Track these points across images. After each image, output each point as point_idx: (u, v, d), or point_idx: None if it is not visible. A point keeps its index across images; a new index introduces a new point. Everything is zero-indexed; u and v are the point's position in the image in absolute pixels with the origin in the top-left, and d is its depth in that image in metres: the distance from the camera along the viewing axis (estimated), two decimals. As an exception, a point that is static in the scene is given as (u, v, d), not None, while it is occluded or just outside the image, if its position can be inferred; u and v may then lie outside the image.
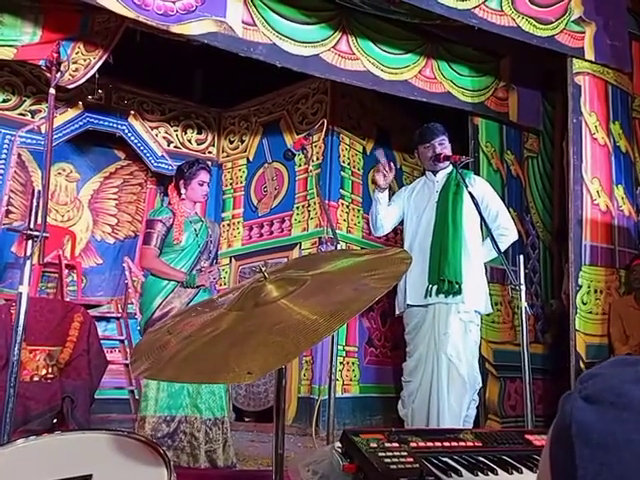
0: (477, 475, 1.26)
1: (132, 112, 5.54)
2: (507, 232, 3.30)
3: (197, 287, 3.12)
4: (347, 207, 5.36)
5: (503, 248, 3.19)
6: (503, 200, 4.89)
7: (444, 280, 3.10)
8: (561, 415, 0.46)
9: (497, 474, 1.28)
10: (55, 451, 1.07)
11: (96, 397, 3.34)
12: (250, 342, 0.98)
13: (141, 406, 2.97)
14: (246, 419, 4.94)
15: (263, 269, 1.11)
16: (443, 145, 3.30)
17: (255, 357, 0.92)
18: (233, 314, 1.08)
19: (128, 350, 4.78)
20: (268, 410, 4.71)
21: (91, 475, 0.96)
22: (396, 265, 1.15)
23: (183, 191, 3.28)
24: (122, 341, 4.93)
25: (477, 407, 3.23)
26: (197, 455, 2.91)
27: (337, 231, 4.92)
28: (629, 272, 4.36)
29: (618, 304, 4.31)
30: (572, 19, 4.55)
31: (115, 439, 1.09)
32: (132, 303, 4.94)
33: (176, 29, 3.63)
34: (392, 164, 3.37)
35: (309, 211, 5.28)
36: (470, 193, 3.08)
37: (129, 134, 5.58)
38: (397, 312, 3.30)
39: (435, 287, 3.13)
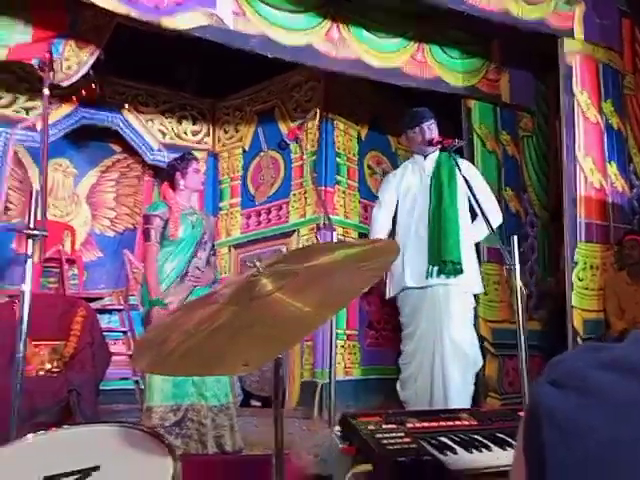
0: (472, 452, 1.31)
1: (126, 105, 5.55)
2: (495, 214, 3.36)
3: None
4: (343, 193, 5.38)
5: (493, 228, 3.24)
6: (500, 180, 4.97)
7: (445, 261, 3.15)
8: (531, 399, 0.50)
9: (492, 450, 1.33)
10: (63, 445, 1.12)
11: (102, 389, 3.40)
12: (246, 335, 1.03)
13: (147, 396, 3.04)
14: (253, 403, 5.02)
15: (257, 263, 1.16)
16: (432, 129, 3.35)
17: (251, 349, 0.97)
18: (229, 308, 1.12)
19: (131, 341, 4.84)
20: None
21: (99, 466, 1.01)
22: (385, 255, 1.20)
23: (182, 182, 3.34)
24: (125, 332, 4.98)
25: (476, 384, 3.30)
26: (205, 441, 2.98)
27: (334, 217, 4.98)
28: (621, 248, 4.40)
29: (612, 280, 4.37)
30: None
31: (121, 431, 1.14)
32: (133, 295, 4.98)
33: (167, 23, 3.64)
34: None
35: (306, 198, 5.31)
36: (464, 176, 3.13)
37: (124, 127, 5.59)
38: (389, 295, 3.34)
39: (436, 268, 3.18)
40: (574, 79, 4.50)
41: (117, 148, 5.95)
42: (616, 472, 0.43)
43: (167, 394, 2.98)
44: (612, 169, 4.59)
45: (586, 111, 4.53)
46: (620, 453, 0.43)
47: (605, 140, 4.59)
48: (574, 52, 4.56)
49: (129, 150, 5.85)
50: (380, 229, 3.45)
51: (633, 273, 4.32)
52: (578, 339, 4.11)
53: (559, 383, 0.49)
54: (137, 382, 4.60)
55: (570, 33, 4.55)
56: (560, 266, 4.61)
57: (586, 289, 4.29)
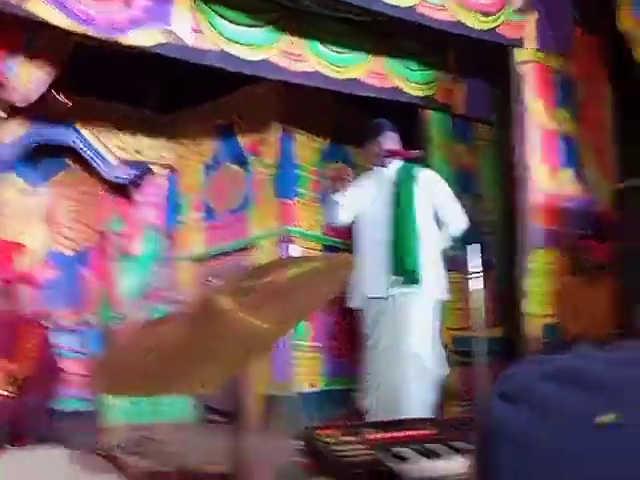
0: (430, 461, 1.32)
1: (82, 121, 5.44)
2: (458, 221, 3.41)
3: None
4: (305, 205, 5.39)
5: (455, 236, 3.31)
6: (456, 189, 5.04)
7: (404, 271, 3.18)
8: (481, 412, 0.51)
9: (450, 459, 1.35)
10: (13, 468, 1.08)
11: (56, 409, 3.30)
12: (205, 353, 1.02)
13: (105, 415, 2.97)
14: (213, 418, 4.95)
15: (215, 280, 1.15)
16: (391, 140, 3.39)
17: (210, 367, 0.96)
18: (189, 326, 1.11)
19: (86, 361, 4.72)
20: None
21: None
22: (343, 270, 1.21)
23: (141, 198, 3.29)
24: (80, 352, 4.86)
25: (437, 392, 3.33)
26: (164, 459, 2.92)
27: (296, 229, 4.98)
28: (574, 252, 4.51)
29: (566, 285, 4.47)
30: (513, 9, 4.68)
31: (73, 454, 1.11)
32: (90, 314, 4.87)
33: (124, 40, 3.62)
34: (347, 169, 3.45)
35: (267, 211, 5.30)
36: (423, 186, 3.19)
37: (80, 143, 5.48)
38: (352, 305, 3.36)
39: (396, 278, 3.21)
40: (527, 87, 4.62)
41: (73, 164, 5.83)
42: None
43: (124, 413, 2.92)
44: (566, 175, 4.72)
45: (540, 119, 4.65)
46: (565, 465, 0.44)
47: (559, 147, 4.72)
48: (527, 61, 4.68)
49: (85, 166, 5.73)
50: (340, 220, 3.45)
51: (586, 278, 4.43)
52: (535, 344, 4.19)
53: (508, 396, 0.50)
54: (93, 402, 4.50)
55: (522, 42, 4.67)
56: (515, 273, 4.70)
57: (542, 295, 4.39)
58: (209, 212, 5.75)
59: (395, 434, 1.41)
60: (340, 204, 3.38)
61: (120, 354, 1.25)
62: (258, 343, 1.05)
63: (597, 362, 0.49)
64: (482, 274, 3.07)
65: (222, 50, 4.00)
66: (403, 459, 1.24)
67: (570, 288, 4.45)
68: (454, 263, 4.71)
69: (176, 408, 3.05)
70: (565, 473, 0.43)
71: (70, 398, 4.35)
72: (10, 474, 1.06)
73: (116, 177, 5.57)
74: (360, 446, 1.27)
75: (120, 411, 2.91)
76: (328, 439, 1.27)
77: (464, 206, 5.01)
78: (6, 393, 2.81)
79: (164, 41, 3.73)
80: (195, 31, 3.89)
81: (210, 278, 1.17)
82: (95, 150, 5.56)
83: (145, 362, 1.12)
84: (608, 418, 0.44)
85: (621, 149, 5.22)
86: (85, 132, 5.51)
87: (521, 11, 4.70)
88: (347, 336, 5.35)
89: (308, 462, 1.27)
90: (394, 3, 4.07)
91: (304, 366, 4.88)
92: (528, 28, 4.72)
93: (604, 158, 5.14)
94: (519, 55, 4.66)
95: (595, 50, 5.20)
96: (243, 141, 5.58)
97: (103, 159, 5.59)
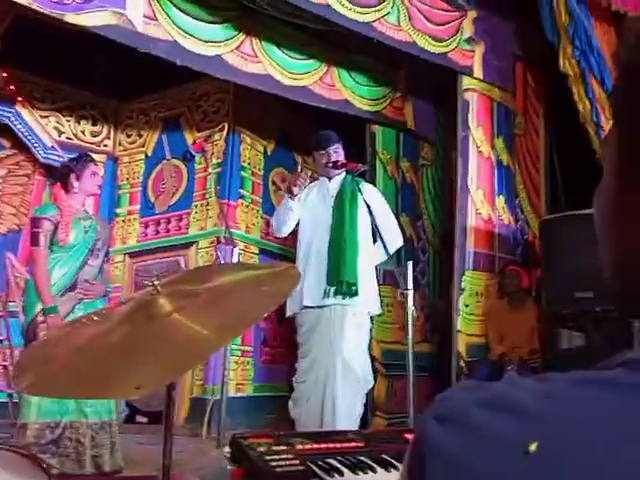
0: (358, 474, 1.34)
1: (20, 99, 5.21)
2: (394, 238, 3.47)
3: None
4: (246, 207, 5.36)
5: (391, 252, 3.36)
6: (397, 206, 5.16)
7: (342, 282, 3.21)
8: (416, 432, 0.53)
9: (376, 472, 1.37)
10: None
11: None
12: (141, 356, 1.00)
13: (22, 412, 2.83)
14: (139, 419, 4.83)
15: (155, 282, 1.13)
16: (338, 153, 3.42)
17: (145, 371, 0.94)
18: (124, 327, 1.09)
19: (7, 351, 4.51)
20: (159, 412, 4.64)
21: (-32, 493, 0.94)
22: (286, 281, 1.21)
23: (76, 184, 3.17)
24: (1, 341, 4.64)
25: (365, 404, 3.38)
26: (83, 461, 2.82)
27: (235, 231, 4.94)
28: (502, 277, 4.69)
29: (494, 307, 4.65)
30: (464, 38, 4.84)
31: (-5, 454, 1.06)
32: (14, 301, 4.65)
33: (71, 19, 3.48)
34: (306, 172, 3.43)
35: (207, 210, 5.24)
36: (365, 200, 3.23)
37: (16, 122, 5.25)
38: (288, 313, 3.36)
39: (333, 289, 3.23)
40: (470, 115, 4.79)
41: (7, 143, 5.56)
42: None
43: (45, 410, 2.80)
44: (500, 202, 4.91)
45: (480, 146, 4.83)
46: None
47: (495, 174, 4.90)
48: (471, 89, 4.86)
49: (20, 146, 5.48)
50: (288, 226, 3.45)
51: (512, 301, 4.61)
52: (461, 362, 4.33)
53: (443, 418, 0.51)
54: (10, 395, 4.29)
55: (470, 70, 4.84)
56: (449, 291, 4.84)
57: (471, 314, 4.54)
58: (148, 206, 5.63)
59: (326, 445, 1.42)
60: (292, 209, 3.37)
61: (47, 351, 1.20)
62: (196, 349, 1.04)
63: (525, 392, 0.51)
64: (414, 290, 3.14)
65: (174, 41, 3.91)
66: (335, 471, 1.25)
67: (497, 311, 4.62)
68: (387, 278, 4.81)
69: (100, 408, 2.94)
70: None
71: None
72: None
73: (51, 159, 5.37)
74: (291, 456, 1.26)
75: (40, 409, 2.78)
76: (260, 448, 1.27)
77: (402, 223, 5.15)
78: None
79: (113, 23, 3.61)
80: (148, 18, 3.79)
81: (148, 281, 1.14)
82: (31, 130, 5.34)
83: (75, 362, 1.08)
84: (533, 446, 0.46)
85: (551, 182, 5.49)
86: (22, 110, 5.28)
87: (470, 41, 4.88)
88: (281, 343, 5.35)
89: (237, 470, 1.26)
90: (352, 17, 4.13)
91: (233, 370, 4.84)
92: (475, 58, 4.89)
93: (535, 188, 5.38)
94: (465, 82, 4.82)
95: (534, 85, 5.45)
96: (189, 137, 5.50)
97: (38, 140, 5.38)
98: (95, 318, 1.22)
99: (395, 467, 1.41)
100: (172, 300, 1.11)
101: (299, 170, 3.40)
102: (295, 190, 3.37)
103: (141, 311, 1.11)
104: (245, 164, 5.39)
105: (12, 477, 0.98)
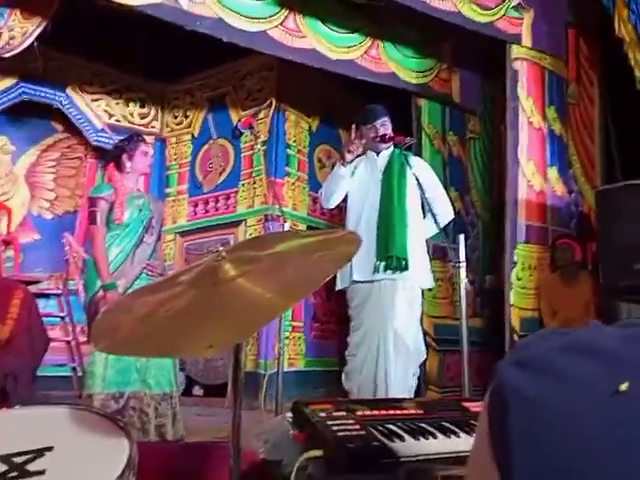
0: (419, 440, 1.35)
1: (71, 83, 5.34)
2: (445, 210, 3.43)
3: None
4: (293, 184, 5.38)
5: (442, 225, 3.33)
6: (445, 180, 5.08)
7: (392, 257, 3.19)
8: (496, 378, 0.53)
9: (437, 438, 1.37)
10: (15, 425, 1.08)
11: (37, 375, 3.28)
12: (210, 319, 1.02)
13: (87, 383, 2.95)
14: (195, 392, 4.98)
15: (220, 248, 1.15)
16: (385, 126, 3.38)
17: (215, 332, 0.96)
18: (191, 292, 1.11)
19: (69, 327, 4.70)
20: (216, 386, 4.77)
21: (52, 447, 0.99)
22: (345, 246, 1.21)
23: (128, 164, 3.24)
24: (63, 318, 4.83)
25: (418, 378, 3.38)
26: (147, 430, 2.93)
27: (283, 208, 4.97)
28: (553, 250, 4.57)
29: (546, 281, 4.55)
30: (512, 5, 4.69)
31: (74, 413, 1.11)
32: (73, 279, 4.83)
33: (119, -1, 3.53)
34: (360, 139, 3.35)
35: (254, 188, 5.28)
36: (414, 174, 3.19)
37: (67, 106, 5.39)
38: (338, 287, 3.37)
39: (383, 263, 3.22)
40: (520, 84, 4.65)
41: (59, 127, 5.73)
42: (580, 446, 0.46)
43: (109, 381, 2.91)
44: (552, 173, 4.78)
45: (530, 116, 4.69)
46: (582, 429, 0.46)
47: (547, 145, 4.76)
48: (521, 58, 4.71)
49: (72, 130, 5.64)
50: (338, 194, 3.41)
51: (565, 275, 4.50)
52: (515, 336, 4.26)
53: (524, 364, 0.51)
54: (74, 369, 4.47)
55: (518, 39, 4.69)
56: (500, 265, 4.77)
57: (523, 288, 4.46)
58: (196, 185, 5.72)
59: (385, 412, 1.43)
60: (344, 177, 3.34)
61: (116, 317, 1.24)
62: (261, 312, 1.06)
63: (609, 337, 0.51)
64: (465, 264, 3.10)
65: (219, 18, 3.92)
66: (396, 436, 1.26)
67: (549, 285, 4.53)
68: (437, 252, 4.77)
69: (161, 379, 3.05)
70: (582, 437, 0.45)
71: (50, 364, 4.33)
72: (15, 430, 1.06)
73: (101, 142, 5.51)
74: (352, 422, 1.28)
75: (105, 380, 2.90)
76: (322, 413, 1.29)
77: (450, 198, 5.07)
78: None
79: (160, 1, 3.64)
80: (193, -5, 3.81)
81: (213, 247, 1.16)
82: (82, 113, 5.47)
83: (143, 327, 1.12)
84: (624, 386, 0.46)
85: (607, 151, 5.31)
86: (72, 94, 5.41)
87: (519, 8, 4.72)
88: (330, 318, 5.40)
89: (299, 434, 1.28)
90: (399, -13, 4.05)
91: (285, 345, 4.91)
92: (524, 26, 4.73)
93: (590, 159, 5.21)
94: (514, 51, 4.68)
95: (588, 52, 5.25)
96: (234, 116, 5.54)
97: (89, 123, 5.51)
98: (161, 285, 1.26)
99: (455, 433, 1.42)
100: (236, 266, 1.13)
101: (353, 136, 3.35)
102: (348, 157, 3.33)
103: (207, 277, 1.13)
104: (290, 142, 5.40)
105: (94, 435, 1.03)
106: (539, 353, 0.52)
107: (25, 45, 3.91)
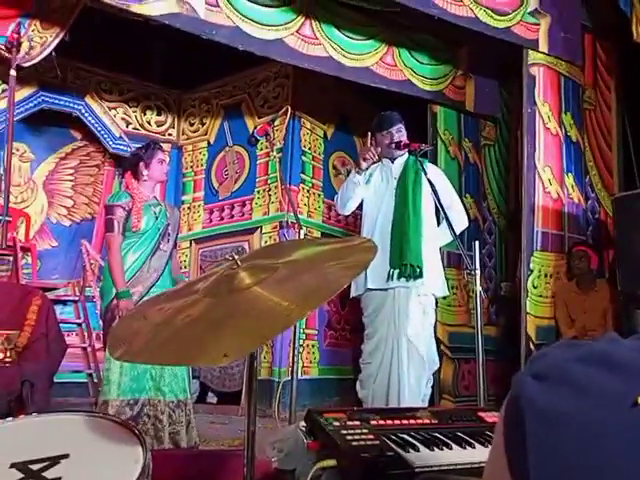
0: (433, 450, 1.34)
1: (89, 92, 5.42)
2: (460, 218, 3.40)
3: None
4: (308, 192, 5.40)
5: (457, 233, 3.30)
6: (460, 187, 5.06)
7: (406, 264, 3.18)
8: (512, 390, 0.52)
9: (452, 449, 1.36)
10: (30, 432, 1.09)
11: (54, 381, 3.31)
12: (225, 327, 1.03)
13: (103, 390, 2.97)
14: (209, 399, 4.99)
15: (235, 257, 1.15)
16: (401, 133, 3.38)
17: (230, 341, 0.97)
18: (207, 300, 1.12)
19: (86, 334, 4.74)
20: (231, 393, 4.78)
21: (68, 454, 1.00)
22: (362, 254, 1.21)
23: (145, 172, 3.26)
24: (79, 324, 4.87)
25: (432, 387, 3.35)
26: (161, 437, 2.94)
27: (298, 215, 4.98)
28: (570, 258, 4.52)
29: (562, 289, 4.49)
30: (528, 11, 4.67)
31: (89, 420, 1.12)
32: (90, 286, 4.88)
33: (136, 9, 3.57)
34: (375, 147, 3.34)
35: (270, 195, 5.30)
36: (429, 180, 3.18)
37: (86, 114, 5.46)
38: (353, 294, 3.36)
39: (397, 271, 3.21)
40: (537, 90, 4.63)
41: (77, 135, 5.81)
42: (599, 458, 0.45)
43: (124, 388, 2.93)
44: (569, 180, 4.73)
45: (547, 122, 4.66)
46: (601, 440, 0.45)
47: (564, 151, 4.72)
48: (538, 63, 4.69)
49: (90, 137, 5.72)
50: (352, 201, 3.40)
51: (581, 283, 4.44)
52: (530, 345, 4.22)
53: (541, 376, 0.51)
54: (90, 375, 4.51)
55: (535, 44, 4.67)
56: (516, 273, 4.72)
57: (540, 296, 4.41)
58: (212, 192, 5.75)
59: (399, 421, 1.42)
60: (359, 184, 3.34)
61: (131, 325, 1.25)
62: (278, 319, 1.06)
63: (627, 348, 0.51)
64: (481, 272, 3.07)
65: (236, 27, 3.95)
66: (410, 446, 1.25)
67: (565, 293, 4.47)
68: (452, 260, 4.75)
69: (175, 387, 3.06)
70: (602, 450, 0.45)
71: (66, 370, 4.37)
72: (30, 438, 1.07)
73: (119, 150, 5.57)
74: (366, 431, 1.27)
75: (120, 387, 2.91)
76: (335, 422, 1.28)
77: (466, 205, 5.05)
78: (6, 360, 2.81)
79: (177, 11, 3.69)
80: (210, 5, 3.85)
81: (229, 256, 1.17)
82: (100, 121, 5.54)
83: (158, 334, 1.12)
84: None
85: (625, 157, 5.25)
86: (91, 102, 5.48)
87: (535, 13, 4.70)
88: (345, 326, 5.39)
89: (313, 442, 1.28)
90: (413, -6, 4.06)
91: (299, 353, 4.91)
92: (540, 31, 4.71)
93: (607, 166, 5.16)
94: (531, 57, 4.66)
95: (605, 57, 5.21)
96: (250, 123, 5.57)
97: (107, 131, 5.58)
98: (177, 292, 1.27)
99: (470, 444, 1.40)
100: (252, 274, 1.14)
101: (369, 143, 3.34)
102: (363, 164, 3.33)
103: (222, 285, 1.14)
104: (305, 149, 5.42)
105: (109, 442, 1.03)
106: (557, 364, 0.52)
107: (44, 55, 3.97)
